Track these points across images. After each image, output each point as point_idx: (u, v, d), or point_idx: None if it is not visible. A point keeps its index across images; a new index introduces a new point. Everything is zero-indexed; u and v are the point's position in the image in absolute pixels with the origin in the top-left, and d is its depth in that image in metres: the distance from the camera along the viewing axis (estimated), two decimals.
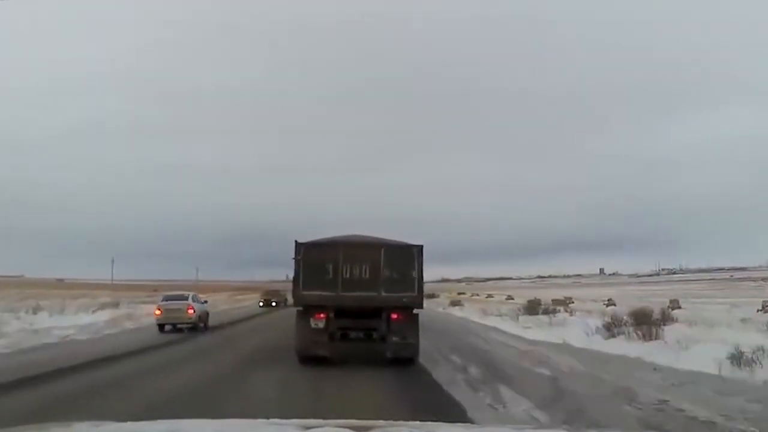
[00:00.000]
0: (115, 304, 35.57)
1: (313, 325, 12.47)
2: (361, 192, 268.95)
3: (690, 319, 21.97)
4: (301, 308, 12.85)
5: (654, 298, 45.99)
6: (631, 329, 17.40)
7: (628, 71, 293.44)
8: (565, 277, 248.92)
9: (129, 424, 2.55)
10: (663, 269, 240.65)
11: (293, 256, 12.62)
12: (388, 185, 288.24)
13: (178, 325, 22.33)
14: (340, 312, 12.50)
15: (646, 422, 6.67)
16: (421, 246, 12.64)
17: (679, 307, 33.31)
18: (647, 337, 16.21)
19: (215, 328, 24.06)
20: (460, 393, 8.64)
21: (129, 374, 11.05)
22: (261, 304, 49.15)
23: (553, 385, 9.10)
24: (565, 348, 15.34)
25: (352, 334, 12.81)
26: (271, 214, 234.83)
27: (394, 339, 12.38)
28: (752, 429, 6.33)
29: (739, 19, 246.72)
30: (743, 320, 21.77)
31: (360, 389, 9.16)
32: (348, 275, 12.33)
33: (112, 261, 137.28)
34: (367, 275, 12.34)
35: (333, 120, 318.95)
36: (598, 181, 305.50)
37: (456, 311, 40.90)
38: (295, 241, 12.70)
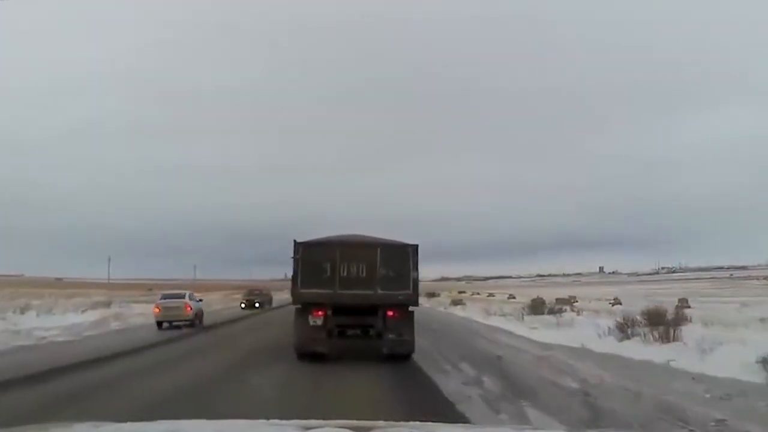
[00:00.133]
0: (107, 304, 34.64)
1: (311, 323, 12.75)
2: (361, 192, 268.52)
3: (704, 319, 21.06)
4: (299, 306, 13.14)
5: (661, 297, 45.03)
6: (645, 330, 16.54)
7: (628, 71, 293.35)
8: (564, 275, 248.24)
9: (129, 425, 2.55)
10: (662, 268, 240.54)
11: (292, 255, 12.90)
12: (388, 185, 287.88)
13: (175, 323, 22.86)
14: (338, 309, 12.78)
15: None
16: (416, 245, 12.96)
17: (689, 307, 32.38)
18: (664, 338, 15.26)
19: (203, 330, 23.17)
20: (477, 413, 7.26)
21: (87, 386, 9.62)
22: (242, 305, 41.58)
23: (585, 401, 7.85)
24: (583, 353, 14.06)
25: (350, 331, 13.13)
26: (271, 214, 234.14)
27: (391, 336, 12.70)
28: None
29: (739, 19, 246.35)
30: (762, 320, 20.82)
31: (360, 409, 7.79)
32: (345, 274, 12.65)
33: (109, 260, 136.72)
34: (364, 274, 12.66)
35: (333, 120, 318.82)
36: (598, 181, 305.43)
37: (458, 311, 39.76)
38: (294, 241, 12.98)
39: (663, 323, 16.97)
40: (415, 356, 12.95)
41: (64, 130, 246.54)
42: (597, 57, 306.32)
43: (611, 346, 14.82)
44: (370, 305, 12.77)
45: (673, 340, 15.04)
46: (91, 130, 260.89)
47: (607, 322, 19.35)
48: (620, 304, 42.19)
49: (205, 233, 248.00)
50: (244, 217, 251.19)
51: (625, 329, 17.00)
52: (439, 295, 71.35)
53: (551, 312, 27.88)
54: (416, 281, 12.98)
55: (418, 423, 2.83)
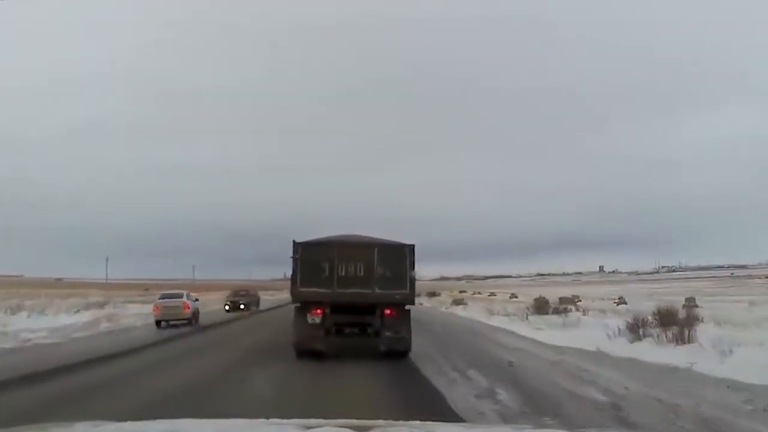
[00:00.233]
0: (102, 305, 34.07)
1: (310, 321, 13.04)
2: (361, 192, 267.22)
3: (715, 318, 20.43)
4: (298, 304, 13.42)
5: (665, 297, 44.40)
6: (657, 331, 15.89)
7: (628, 71, 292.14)
8: (564, 275, 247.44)
9: (129, 424, 2.57)
10: (663, 267, 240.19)
11: (291, 255, 13.18)
12: (388, 185, 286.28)
13: (171, 322, 23.48)
14: (336, 308, 13.07)
15: None
16: (413, 245, 13.28)
17: (696, 306, 31.71)
18: (679, 340, 14.61)
19: (197, 331, 22.45)
20: None
21: (51, 397, 8.70)
22: (227, 307, 37.74)
23: (617, 417, 6.95)
24: (599, 357, 13.17)
25: (348, 329, 13.33)
26: (271, 214, 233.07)
27: (388, 333, 13.00)
28: None
29: (739, 19, 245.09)
30: None
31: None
32: (343, 273, 12.94)
33: (107, 260, 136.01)
34: (362, 273, 12.94)
35: (333, 120, 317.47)
36: (598, 181, 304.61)
37: (460, 311, 38.99)
38: (293, 241, 13.27)
39: (675, 323, 16.35)
40: (419, 362, 12.25)
41: (64, 130, 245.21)
42: (597, 57, 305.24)
43: (625, 348, 14.14)
44: (367, 304, 13.03)
45: (688, 342, 14.41)
46: (91, 130, 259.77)
47: (616, 323, 18.69)
48: (625, 303, 41.46)
49: (205, 233, 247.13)
50: (244, 217, 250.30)
51: (636, 330, 16.36)
52: (439, 295, 70.76)
53: (556, 312, 27.20)
54: (413, 280, 13.29)
55: (418, 422, 2.81)
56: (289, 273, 13.69)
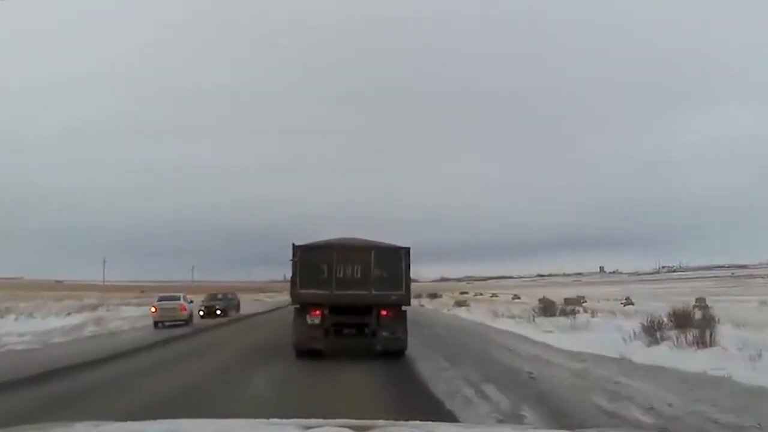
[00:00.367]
0: (95, 307, 33.22)
1: (309, 322, 13.44)
2: (361, 192, 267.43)
3: (731, 319, 19.56)
4: (298, 306, 13.83)
5: (672, 297, 43.52)
6: (674, 333, 15.03)
7: (628, 71, 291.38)
8: (565, 275, 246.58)
9: (129, 424, 2.57)
10: (663, 267, 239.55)
11: (291, 257, 13.55)
12: (388, 185, 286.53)
13: (167, 323, 24.51)
14: (335, 309, 13.45)
15: None
16: (408, 248, 13.83)
17: (707, 306, 30.83)
18: (700, 343, 13.76)
19: (189, 334, 21.52)
20: None
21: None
22: (201, 313, 32.62)
23: None
24: (623, 365, 11.97)
25: (346, 330, 13.73)
26: (271, 214, 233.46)
27: (384, 333, 13.42)
28: None
29: (739, 19, 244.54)
30: None
31: None
32: (341, 275, 13.35)
33: (104, 261, 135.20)
34: (359, 275, 13.37)
35: (333, 120, 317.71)
36: (598, 181, 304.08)
37: (463, 313, 37.89)
38: (293, 244, 13.65)
39: (692, 325, 15.52)
40: (428, 374, 11.05)
41: (65, 130, 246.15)
42: (597, 57, 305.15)
43: (646, 353, 13.27)
44: (364, 305, 13.45)
45: (710, 345, 13.56)
46: (91, 130, 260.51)
47: (630, 325, 17.88)
48: (632, 304, 40.50)
49: (205, 233, 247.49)
50: (244, 217, 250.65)
51: (653, 333, 15.51)
52: (441, 296, 69.88)
53: (563, 313, 26.32)
54: (408, 282, 13.77)
55: (418, 422, 2.82)
56: (289, 274, 14.01)
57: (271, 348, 15.81)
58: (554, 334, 19.10)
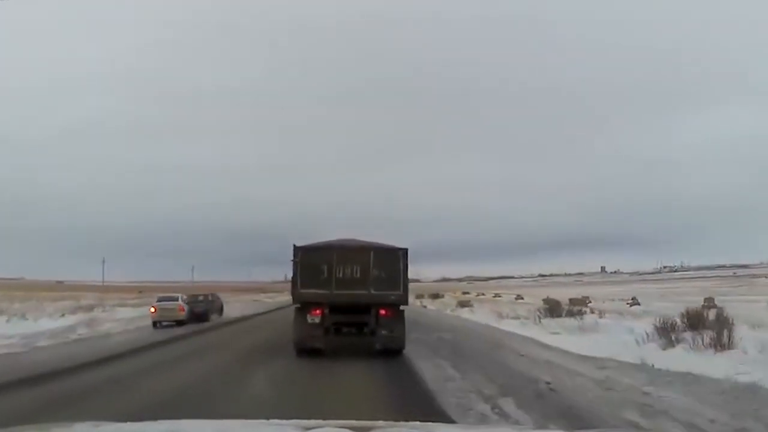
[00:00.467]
0: (90, 308, 32.63)
1: (309, 321, 13.78)
2: (361, 192, 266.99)
3: (745, 320, 18.90)
4: (299, 305, 14.18)
5: (678, 297, 42.86)
6: (689, 335, 14.42)
7: (628, 71, 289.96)
8: (566, 275, 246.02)
9: (129, 425, 2.57)
10: (664, 267, 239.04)
11: (292, 258, 13.83)
12: (388, 185, 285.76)
13: (165, 323, 25.34)
14: (334, 308, 13.79)
15: None
16: (406, 249, 14.13)
17: (716, 306, 30.17)
18: (718, 345, 13.13)
19: (170, 341, 20.54)
20: None
21: None
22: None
23: None
24: (649, 372, 11.12)
25: (345, 329, 14.07)
26: (271, 214, 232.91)
27: (383, 332, 13.78)
28: None
29: (739, 19, 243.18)
30: None
31: None
32: (341, 275, 13.66)
33: (103, 262, 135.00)
34: (358, 275, 13.69)
35: (333, 120, 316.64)
36: (598, 181, 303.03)
37: (467, 314, 37.09)
38: (294, 245, 13.95)
39: (705, 326, 14.90)
40: (436, 386, 9.95)
41: (64, 130, 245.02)
42: (597, 57, 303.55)
43: (663, 356, 12.62)
44: (364, 304, 13.78)
45: (728, 347, 12.94)
46: (91, 130, 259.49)
47: (640, 326, 17.28)
48: (638, 304, 39.80)
49: (205, 233, 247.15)
50: (244, 217, 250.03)
51: (667, 334, 14.89)
52: (443, 297, 69.18)
53: (569, 314, 25.72)
54: (406, 282, 14.01)
55: (418, 423, 2.84)
56: (290, 274, 14.27)
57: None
58: (562, 336, 18.49)
